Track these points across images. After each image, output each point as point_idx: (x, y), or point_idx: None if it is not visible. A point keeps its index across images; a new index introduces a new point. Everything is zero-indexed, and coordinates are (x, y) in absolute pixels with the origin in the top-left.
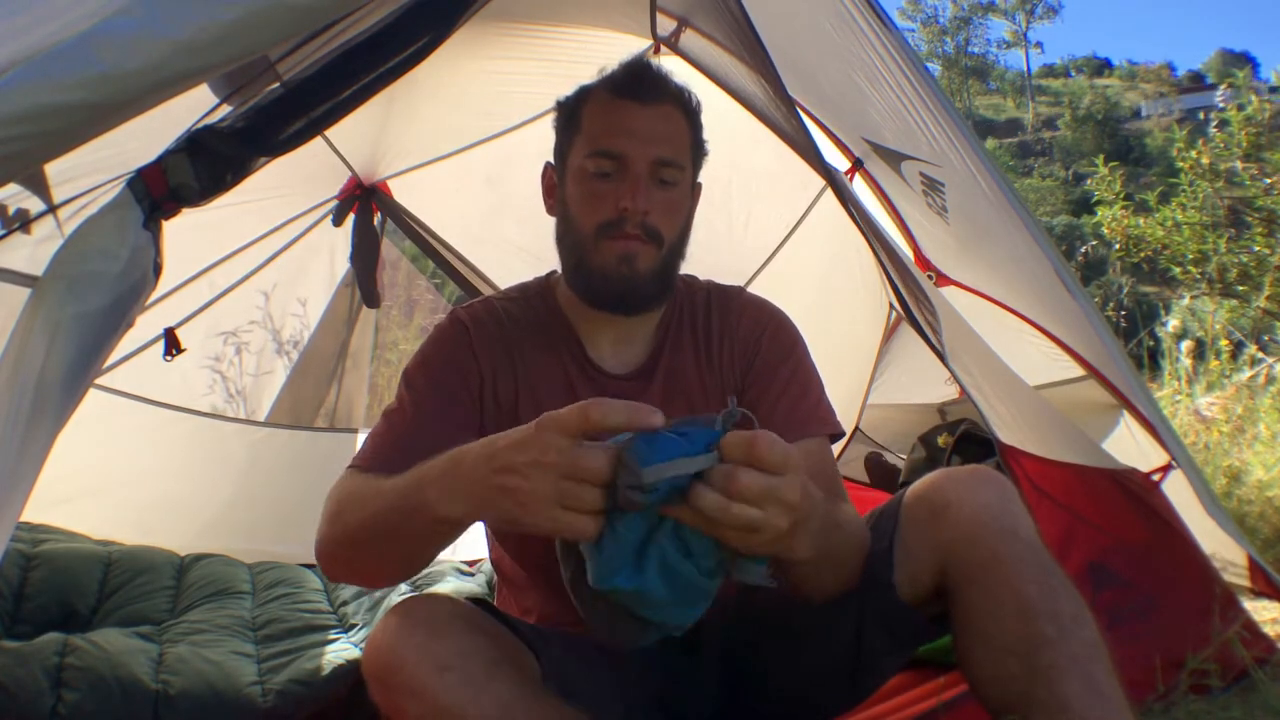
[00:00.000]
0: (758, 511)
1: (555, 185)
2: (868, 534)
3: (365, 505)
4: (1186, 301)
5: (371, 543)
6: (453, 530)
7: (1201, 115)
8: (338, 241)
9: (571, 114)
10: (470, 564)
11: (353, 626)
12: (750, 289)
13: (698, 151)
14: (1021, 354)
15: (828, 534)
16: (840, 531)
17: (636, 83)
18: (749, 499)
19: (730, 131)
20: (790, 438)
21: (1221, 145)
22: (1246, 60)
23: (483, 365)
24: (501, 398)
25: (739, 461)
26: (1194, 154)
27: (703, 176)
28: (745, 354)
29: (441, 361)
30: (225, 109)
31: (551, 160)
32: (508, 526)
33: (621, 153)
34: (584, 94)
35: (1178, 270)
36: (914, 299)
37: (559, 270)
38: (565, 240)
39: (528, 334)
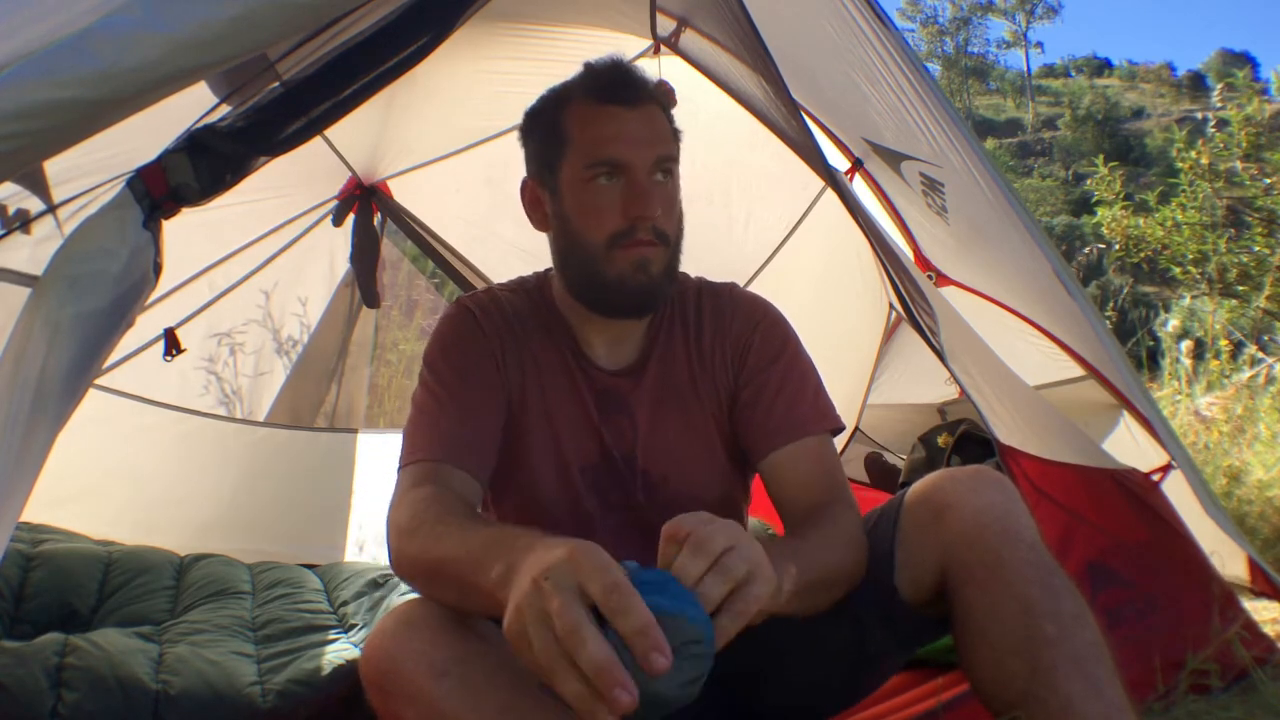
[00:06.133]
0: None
1: (541, 200)
2: (863, 541)
3: (441, 543)
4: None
5: (444, 580)
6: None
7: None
8: (338, 241)
9: (551, 124)
10: None
11: (353, 627)
12: (750, 289)
13: (677, 139)
14: (1021, 354)
15: (807, 579)
16: (820, 569)
17: (621, 86)
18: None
19: (730, 131)
20: (790, 439)
21: (1221, 145)
22: (1246, 60)
23: (495, 348)
24: (512, 382)
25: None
26: (1194, 154)
27: (703, 176)
28: (737, 352)
29: (461, 346)
30: (225, 108)
31: (530, 175)
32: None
33: (623, 160)
34: (561, 101)
35: (1178, 270)
36: (913, 299)
37: (554, 268)
38: (571, 255)
39: (530, 324)
